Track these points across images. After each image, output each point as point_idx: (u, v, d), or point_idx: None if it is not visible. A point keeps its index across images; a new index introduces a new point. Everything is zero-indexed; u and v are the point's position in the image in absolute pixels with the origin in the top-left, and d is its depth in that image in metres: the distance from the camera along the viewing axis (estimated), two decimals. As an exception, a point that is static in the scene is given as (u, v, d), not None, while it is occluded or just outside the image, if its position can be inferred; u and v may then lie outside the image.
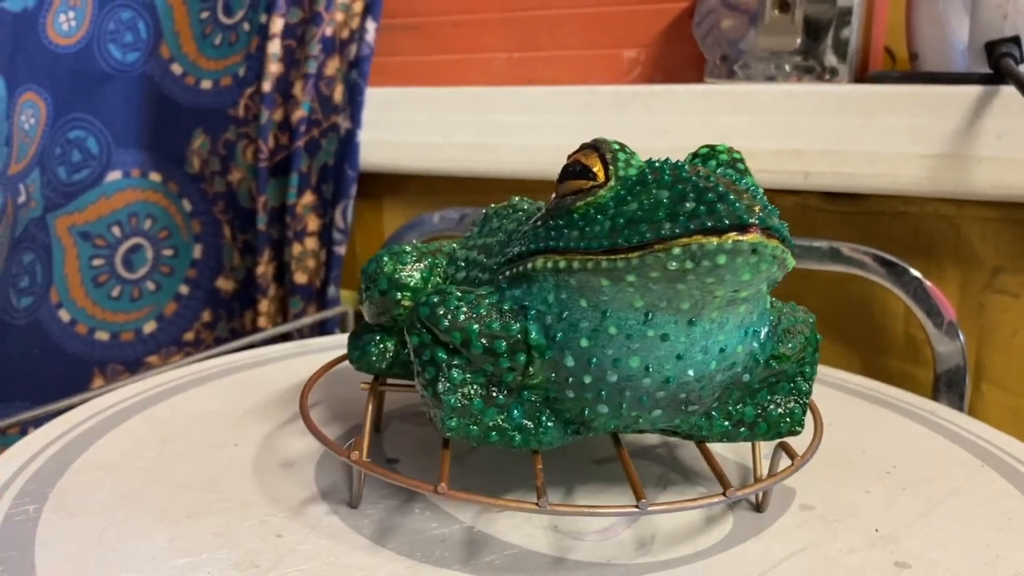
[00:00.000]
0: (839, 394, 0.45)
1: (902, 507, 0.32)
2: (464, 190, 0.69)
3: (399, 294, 0.33)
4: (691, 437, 0.31)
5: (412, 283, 0.33)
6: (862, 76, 0.55)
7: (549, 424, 0.28)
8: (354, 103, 0.67)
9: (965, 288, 0.54)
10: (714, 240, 0.23)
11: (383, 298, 0.34)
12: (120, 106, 0.68)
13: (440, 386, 0.27)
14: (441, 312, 0.27)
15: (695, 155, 0.29)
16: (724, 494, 0.28)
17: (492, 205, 0.36)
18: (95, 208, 0.68)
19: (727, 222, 0.23)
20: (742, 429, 0.30)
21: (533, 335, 0.27)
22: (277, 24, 0.66)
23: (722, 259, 0.23)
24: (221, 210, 0.72)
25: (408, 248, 0.35)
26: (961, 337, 0.51)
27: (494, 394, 0.28)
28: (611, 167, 0.26)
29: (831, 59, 0.54)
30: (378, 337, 0.35)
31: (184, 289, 0.72)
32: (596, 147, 0.27)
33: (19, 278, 0.63)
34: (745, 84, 0.56)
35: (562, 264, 0.26)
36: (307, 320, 0.66)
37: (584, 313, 0.26)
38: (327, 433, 0.32)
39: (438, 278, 0.34)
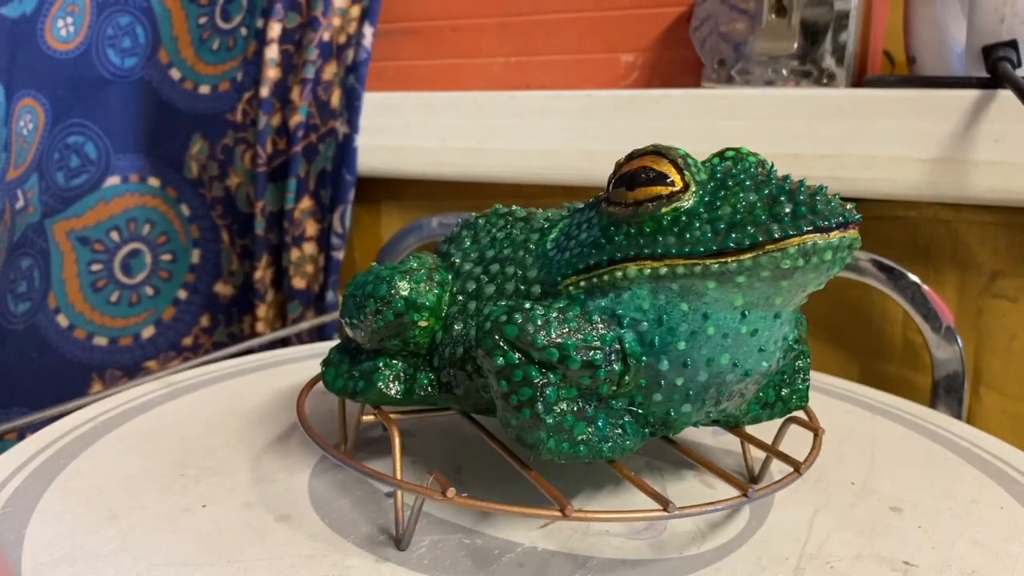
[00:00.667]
0: (833, 400, 0.45)
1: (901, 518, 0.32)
2: (462, 194, 0.69)
3: (417, 315, 0.31)
4: (727, 424, 0.32)
5: (430, 303, 0.31)
6: (860, 80, 0.55)
7: (630, 430, 0.28)
8: (351, 108, 0.67)
9: (963, 292, 0.54)
10: (825, 238, 0.25)
11: (398, 321, 0.31)
12: (118, 111, 0.68)
13: (539, 407, 0.27)
14: (532, 329, 0.27)
15: (722, 158, 0.28)
16: (746, 495, 0.28)
17: (474, 214, 0.35)
18: (93, 213, 0.68)
19: (831, 221, 0.25)
20: (766, 410, 0.32)
21: (628, 343, 0.27)
22: (275, 29, 0.66)
23: (828, 255, 0.25)
24: (219, 215, 0.72)
25: (414, 264, 0.32)
26: (959, 342, 0.51)
27: (584, 408, 0.28)
28: (686, 172, 0.27)
29: (829, 63, 0.54)
30: (382, 363, 0.32)
31: (183, 294, 0.72)
32: (663, 153, 0.27)
33: (17, 283, 0.63)
34: (742, 88, 0.56)
35: (663, 271, 0.26)
36: (305, 325, 0.66)
37: (684, 316, 0.26)
38: (325, 437, 0.32)
39: (448, 295, 0.32)
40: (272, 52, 0.67)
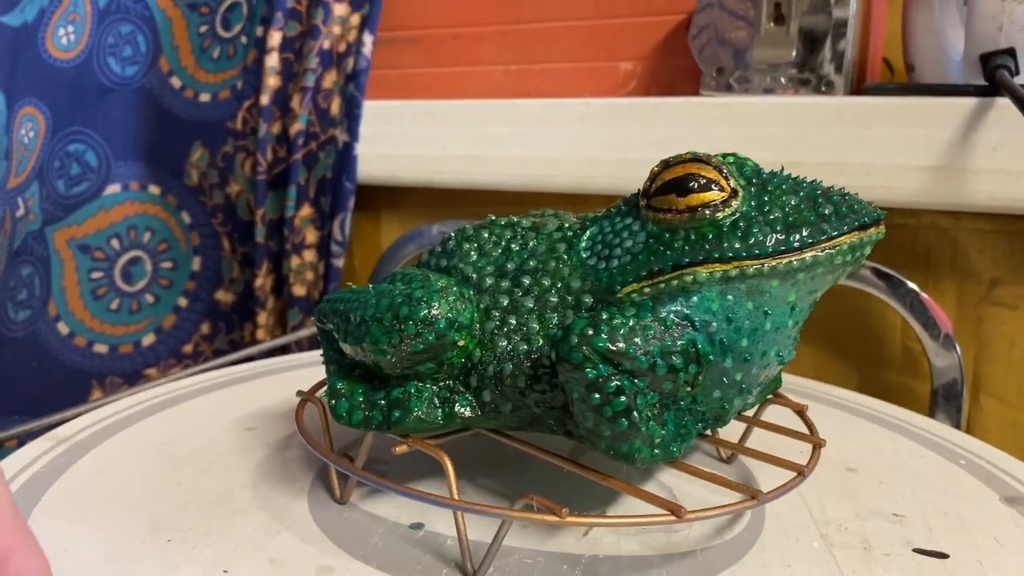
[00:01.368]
0: (831, 410, 0.45)
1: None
2: (462, 202, 0.69)
3: (457, 335, 0.29)
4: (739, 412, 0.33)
5: (467, 321, 0.30)
6: (859, 88, 0.55)
7: (691, 427, 0.29)
8: (351, 116, 0.67)
9: (962, 300, 0.54)
10: (867, 234, 0.28)
11: (439, 342, 0.29)
12: (119, 119, 0.68)
13: (635, 416, 0.27)
14: (621, 339, 0.27)
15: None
16: (755, 498, 0.29)
17: (467, 226, 0.35)
18: (94, 221, 0.68)
19: (868, 218, 0.28)
20: (759, 397, 0.33)
21: (701, 344, 0.28)
22: (275, 37, 0.67)
23: (868, 249, 0.28)
24: (220, 223, 0.72)
25: (443, 282, 0.31)
26: (958, 350, 0.51)
27: (661, 412, 0.28)
28: (731, 178, 0.28)
29: (827, 71, 0.54)
30: (413, 389, 0.30)
31: (183, 301, 0.72)
32: (704, 160, 0.28)
33: (17, 291, 0.63)
34: (741, 96, 0.56)
35: (733, 272, 0.27)
36: (305, 332, 0.66)
37: (749, 315, 0.28)
38: (324, 444, 0.32)
39: (477, 312, 0.31)
40: (272, 60, 0.67)
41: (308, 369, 0.49)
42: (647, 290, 0.28)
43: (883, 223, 0.28)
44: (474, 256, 0.33)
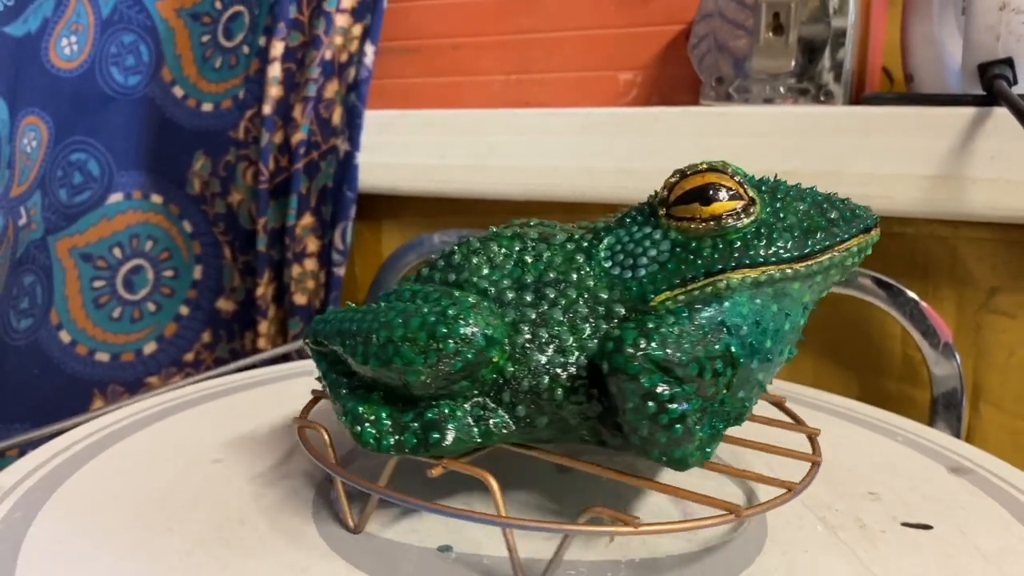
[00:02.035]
0: (830, 418, 0.45)
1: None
2: (462, 211, 0.70)
3: (494, 351, 0.29)
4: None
5: (500, 336, 0.29)
6: (858, 97, 0.56)
7: (720, 427, 0.29)
8: (353, 126, 0.67)
9: (962, 309, 0.54)
10: (870, 236, 0.30)
11: (478, 359, 0.28)
12: (121, 128, 0.69)
13: (689, 421, 0.27)
14: (673, 347, 0.27)
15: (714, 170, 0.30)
16: (791, 491, 0.30)
17: (470, 237, 0.34)
18: (96, 230, 0.68)
19: (869, 222, 0.30)
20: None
21: (735, 348, 0.28)
22: (277, 47, 0.67)
23: (869, 251, 0.30)
24: (222, 231, 0.72)
25: (472, 298, 0.30)
26: (957, 358, 0.51)
27: (702, 416, 0.28)
28: (746, 187, 0.29)
29: (827, 80, 0.54)
30: (448, 409, 0.29)
31: (184, 310, 0.72)
32: (721, 169, 0.29)
33: (19, 299, 0.63)
34: (741, 106, 0.56)
35: (763, 277, 0.29)
36: (306, 341, 0.66)
37: (774, 317, 0.29)
38: (325, 453, 0.32)
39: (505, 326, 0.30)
40: (274, 70, 0.67)
41: (309, 378, 0.49)
42: (680, 298, 0.29)
43: (879, 227, 0.30)
44: (486, 270, 0.32)
